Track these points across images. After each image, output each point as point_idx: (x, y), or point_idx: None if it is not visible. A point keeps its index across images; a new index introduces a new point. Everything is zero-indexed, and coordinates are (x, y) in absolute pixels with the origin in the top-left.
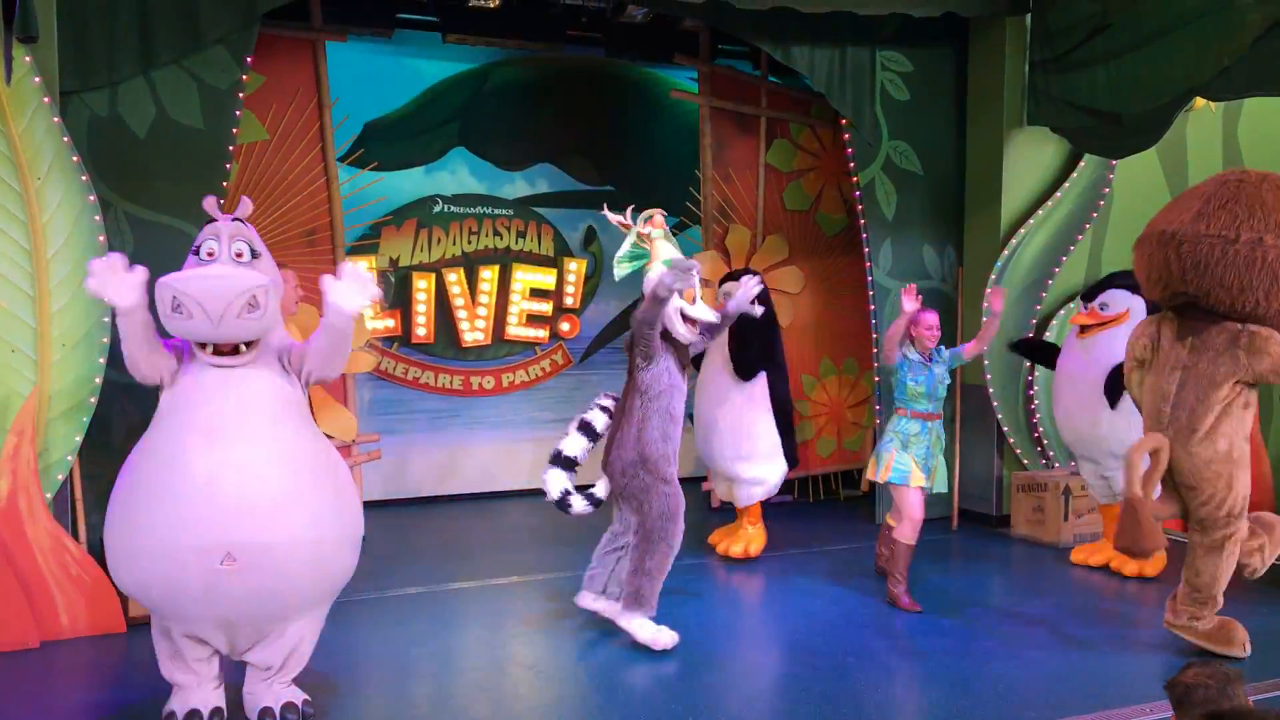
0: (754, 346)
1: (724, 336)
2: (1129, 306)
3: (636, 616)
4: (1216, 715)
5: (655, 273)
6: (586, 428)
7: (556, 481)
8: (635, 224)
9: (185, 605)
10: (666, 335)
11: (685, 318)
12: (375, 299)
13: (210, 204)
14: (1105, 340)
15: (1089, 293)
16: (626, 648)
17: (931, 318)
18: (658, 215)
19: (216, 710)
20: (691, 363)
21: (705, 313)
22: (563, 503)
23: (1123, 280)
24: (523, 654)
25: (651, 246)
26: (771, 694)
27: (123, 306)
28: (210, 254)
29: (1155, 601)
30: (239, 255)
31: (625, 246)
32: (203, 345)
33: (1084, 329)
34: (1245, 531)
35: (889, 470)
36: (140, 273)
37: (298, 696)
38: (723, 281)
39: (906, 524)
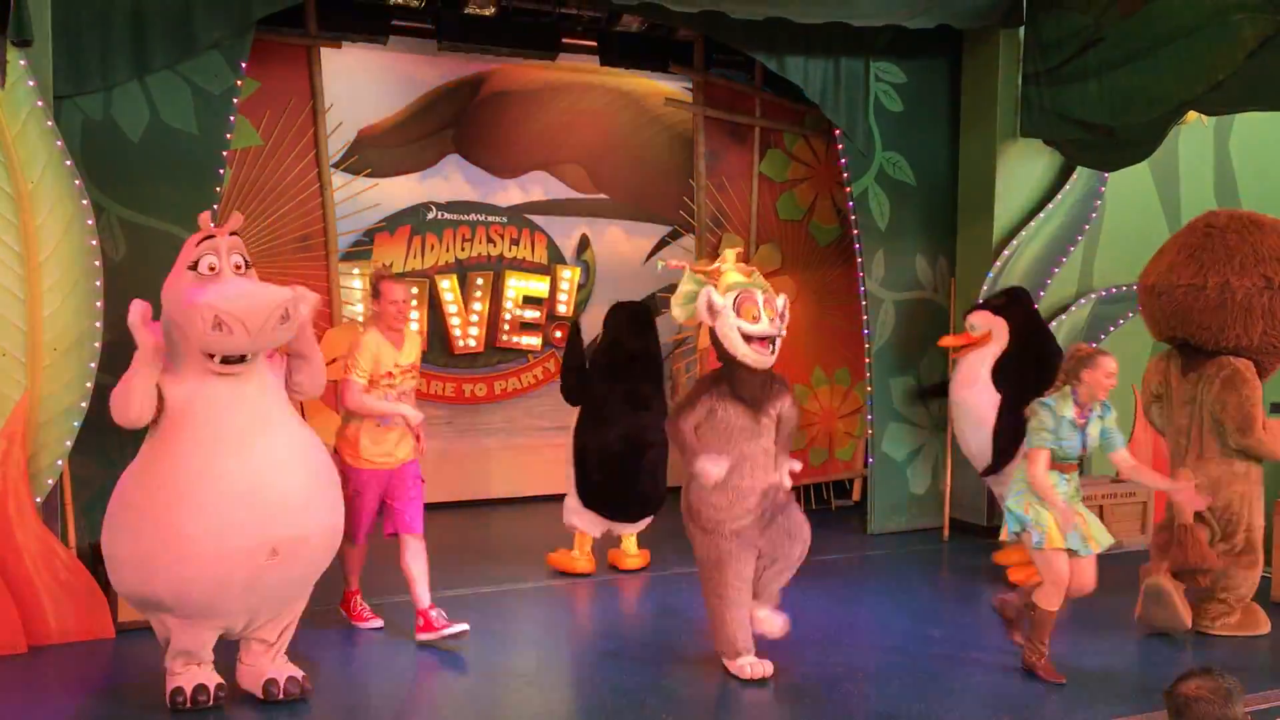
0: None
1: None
2: (990, 328)
3: (725, 660)
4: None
5: (699, 301)
6: None
7: None
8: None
9: (226, 602)
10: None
11: (748, 337)
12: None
13: (205, 219)
14: (972, 360)
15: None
16: (609, 655)
17: (1112, 364)
18: (728, 250)
19: (220, 686)
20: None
21: (765, 327)
22: None
23: (986, 304)
24: (510, 663)
25: (714, 279)
26: (762, 703)
27: (145, 346)
28: (212, 268)
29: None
30: (237, 268)
31: (683, 287)
32: (210, 355)
33: (956, 350)
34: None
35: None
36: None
37: (296, 671)
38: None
39: (1049, 587)
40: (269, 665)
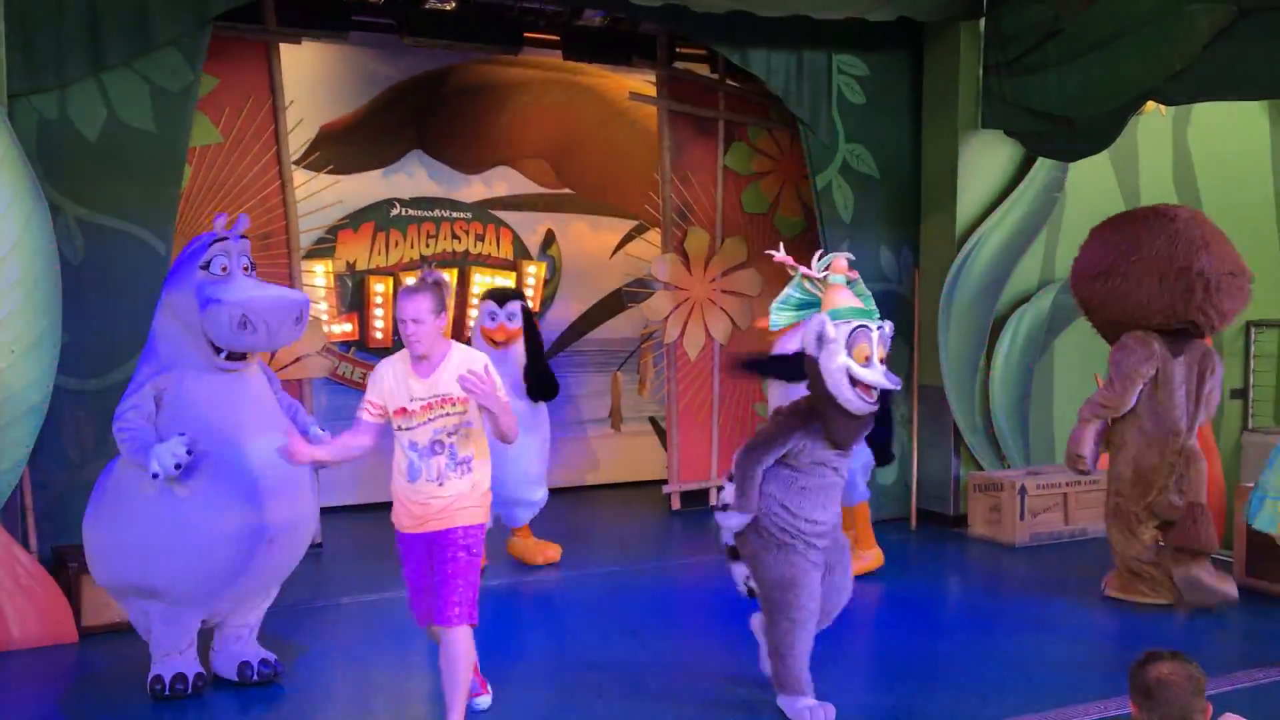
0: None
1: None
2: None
3: (782, 697)
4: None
5: (810, 325)
6: (725, 507)
7: (737, 573)
8: (816, 269)
9: (221, 588)
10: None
11: (854, 381)
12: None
13: (219, 222)
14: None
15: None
16: (589, 665)
17: None
18: (842, 259)
19: (200, 675)
20: None
21: (878, 377)
22: (749, 592)
23: None
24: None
25: (826, 294)
26: (732, 694)
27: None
28: (224, 269)
29: (1110, 601)
30: (245, 269)
31: (786, 291)
32: (217, 351)
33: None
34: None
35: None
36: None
37: (268, 654)
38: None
39: None
40: (243, 650)
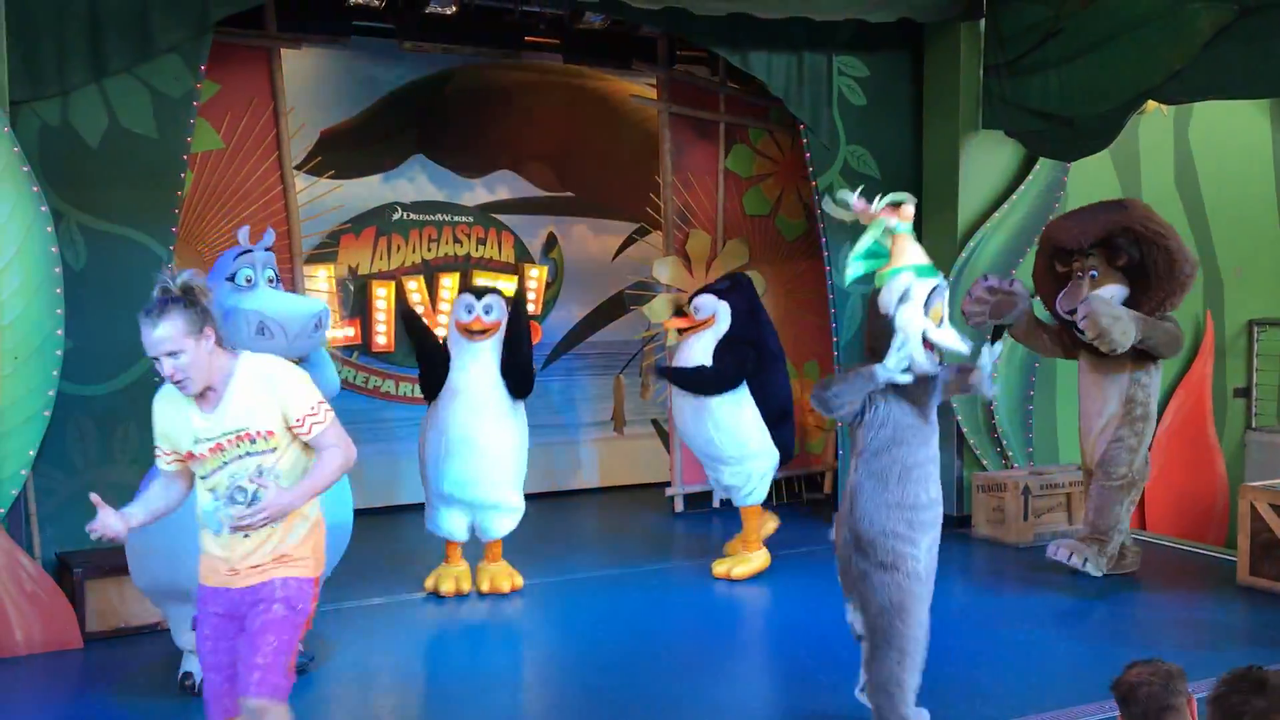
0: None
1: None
2: (715, 311)
3: None
4: (1258, 680)
5: (896, 282)
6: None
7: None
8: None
9: None
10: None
11: (927, 343)
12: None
13: (243, 235)
14: (692, 342)
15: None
16: (588, 664)
17: None
18: (908, 205)
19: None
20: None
21: (953, 339)
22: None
23: (710, 288)
24: (486, 665)
25: (895, 244)
26: (733, 698)
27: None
28: (249, 280)
29: (1114, 601)
30: (270, 280)
31: (865, 240)
32: None
33: (681, 331)
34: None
35: None
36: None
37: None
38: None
39: None
40: None
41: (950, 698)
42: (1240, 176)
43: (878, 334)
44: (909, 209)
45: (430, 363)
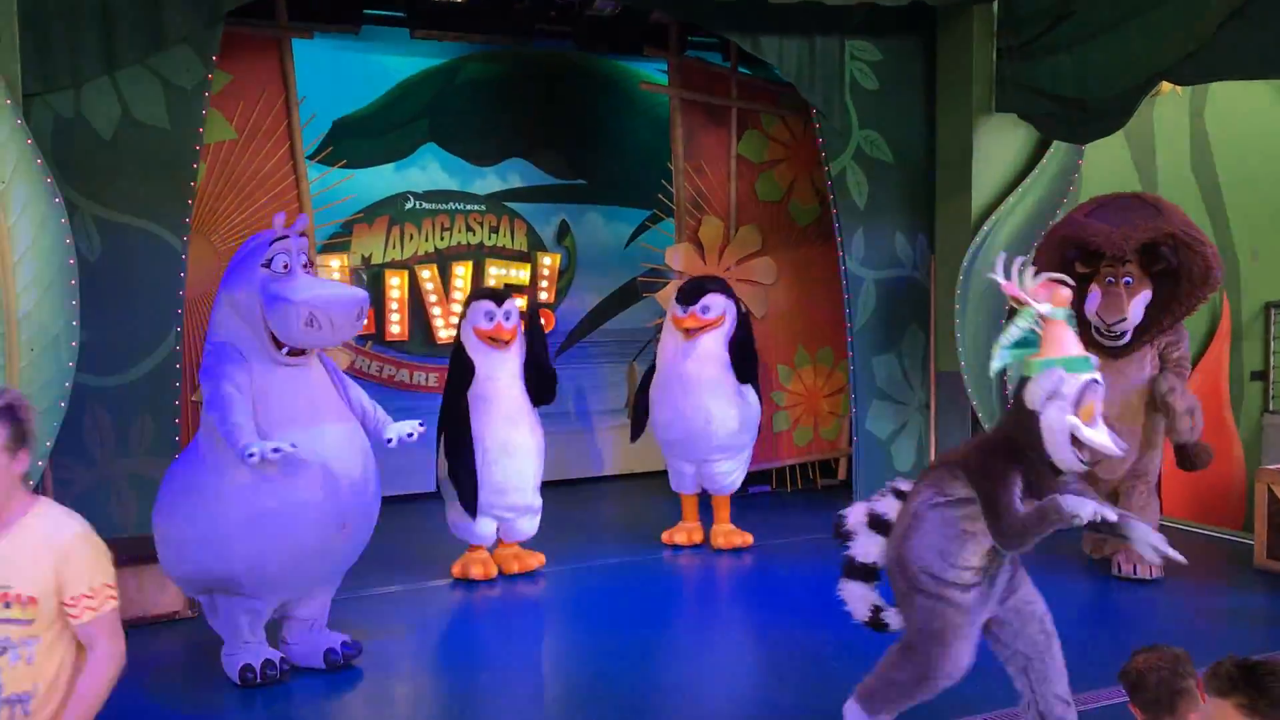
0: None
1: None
2: (724, 310)
3: (856, 708)
4: (1247, 667)
5: (1047, 378)
6: (877, 521)
7: (856, 599)
8: (1029, 295)
9: (297, 575)
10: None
11: (1075, 441)
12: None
13: (279, 221)
14: (707, 340)
15: (689, 298)
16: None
17: None
18: (1063, 290)
19: (284, 659)
20: None
21: (1104, 439)
22: (875, 621)
23: (717, 286)
24: (507, 653)
25: (1048, 331)
26: (750, 684)
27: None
28: (285, 266)
29: (1130, 586)
30: (305, 266)
31: (1014, 331)
32: (279, 346)
33: (689, 331)
34: None
35: None
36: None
37: (344, 636)
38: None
39: None
40: (319, 639)
41: (965, 682)
42: (1256, 158)
43: (1022, 428)
44: (1065, 293)
45: (463, 379)
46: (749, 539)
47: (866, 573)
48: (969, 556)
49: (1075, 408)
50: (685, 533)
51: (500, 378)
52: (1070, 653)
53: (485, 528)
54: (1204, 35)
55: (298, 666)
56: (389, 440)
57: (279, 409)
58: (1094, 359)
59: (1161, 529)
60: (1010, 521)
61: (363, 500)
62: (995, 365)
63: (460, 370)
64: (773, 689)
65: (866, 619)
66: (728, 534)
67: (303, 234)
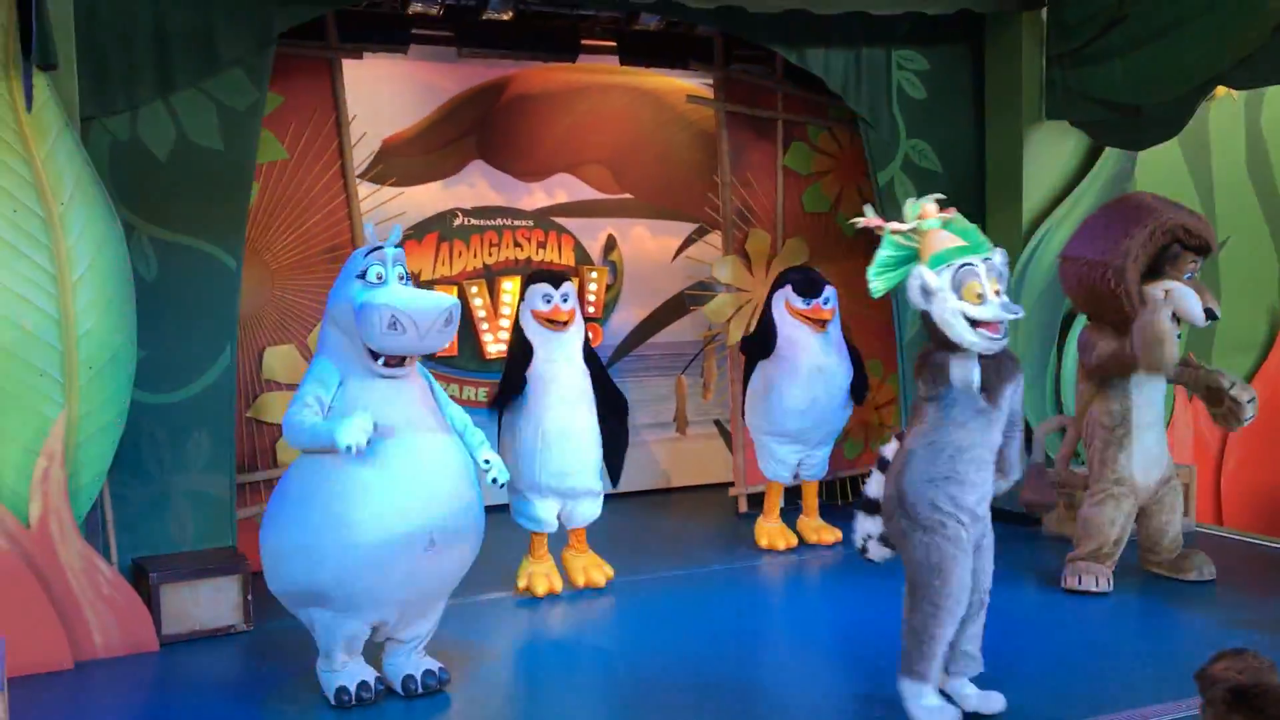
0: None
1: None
2: (834, 303)
3: (904, 681)
4: (1239, 690)
5: (910, 284)
6: (883, 463)
7: (861, 527)
8: (908, 219)
9: (385, 591)
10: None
11: (974, 322)
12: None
13: (370, 231)
14: (834, 331)
15: (815, 290)
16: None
17: None
18: (930, 202)
19: (378, 679)
20: None
21: (996, 311)
22: (863, 550)
23: (823, 277)
24: (570, 668)
25: (923, 242)
26: (803, 693)
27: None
28: (379, 276)
29: (1193, 600)
30: (401, 277)
31: (880, 254)
32: (375, 357)
33: (823, 323)
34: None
35: None
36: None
37: (434, 664)
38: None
39: None
40: (407, 663)
41: (1025, 698)
42: None
43: (931, 333)
44: (930, 205)
45: (522, 358)
46: (839, 534)
47: (872, 506)
48: (966, 470)
49: (958, 292)
50: (767, 535)
51: (559, 360)
52: (1122, 665)
53: (547, 512)
54: (1259, 39)
55: (389, 688)
56: (486, 463)
57: (376, 419)
58: (980, 241)
59: (1221, 540)
60: (925, 360)
61: (457, 520)
62: (874, 289)
63: (520, 352)
64: (826, 698)
65: (859, 546)
66: (818, 529)
67: (399, 245)
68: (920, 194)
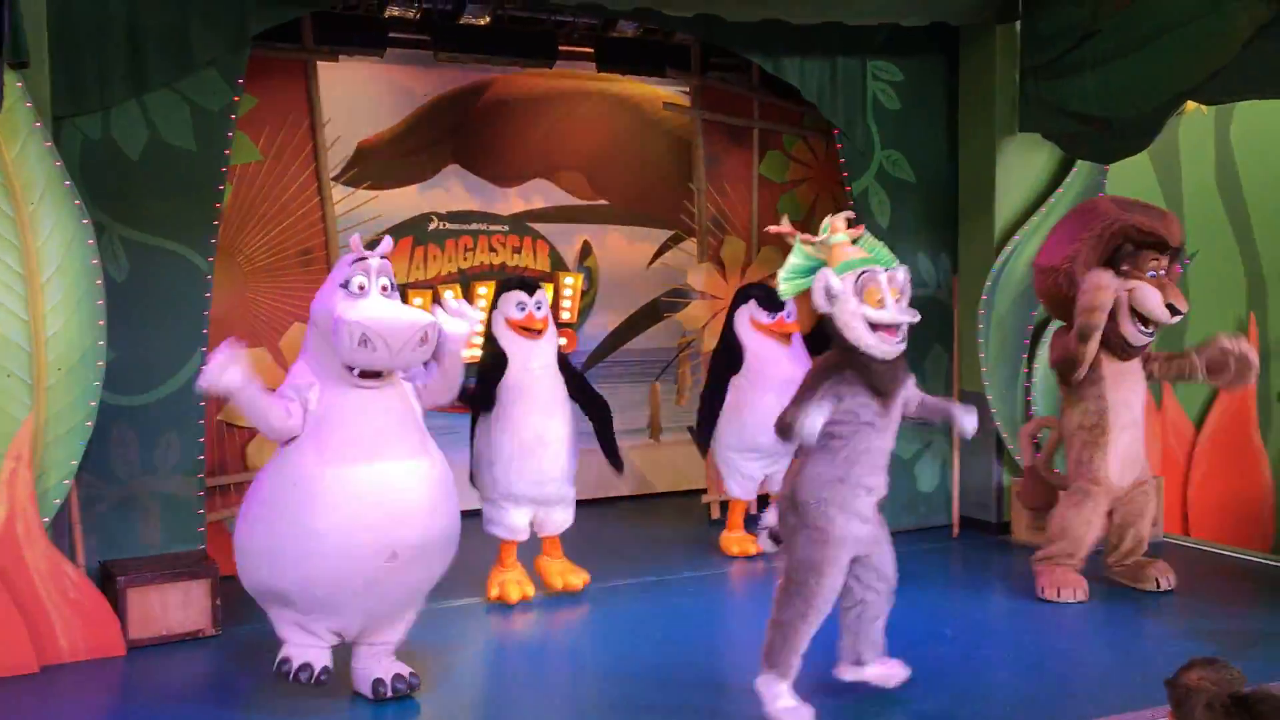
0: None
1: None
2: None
3: (764, 675)
4: (1240, 698)
5: (815, 289)
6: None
7: (765, 517)
8: (824, 234)
9: (345, 600)
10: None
11: (874, 325)
12: (479, 322)
13: (356, 242)
14: (797, 343)
15: (779, 304)
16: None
17: None
18: (840, 219)
19: (325, 669)
20: None
21: (894, 315)
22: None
23: (778, 301)
24: (539, 675)
25: (830, 254)
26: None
27: (235, 387)
28: (361, 288)
29: (1155, 608)
30: (384, 289)
31: (790, 261)
32: (350, 368)
33: (788, 336)
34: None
35: None
36: (241, 355)
37: (404, 668)
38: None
39: None
40: (375, 666)
41: (990, 706)
42: None
43: (835, 337)
44: (839, 221)
45: (496, 367)
46: None
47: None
48: (861, 474)
49: (860, 296)
50: (737, 543)
51: (534, 368)
52: (1087, 674)
53: (519, 519)
54: (1229, 55)
55: (358, 694)
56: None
57: (343, 430)
58: (885, 256)
59: (1187, 550)
60: (784, 412)
61: (422, 534)
62: (781, 291)
63: (493, 360)
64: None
65: (765, 538)
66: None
67: (385, 257)
68: (894, 203)
